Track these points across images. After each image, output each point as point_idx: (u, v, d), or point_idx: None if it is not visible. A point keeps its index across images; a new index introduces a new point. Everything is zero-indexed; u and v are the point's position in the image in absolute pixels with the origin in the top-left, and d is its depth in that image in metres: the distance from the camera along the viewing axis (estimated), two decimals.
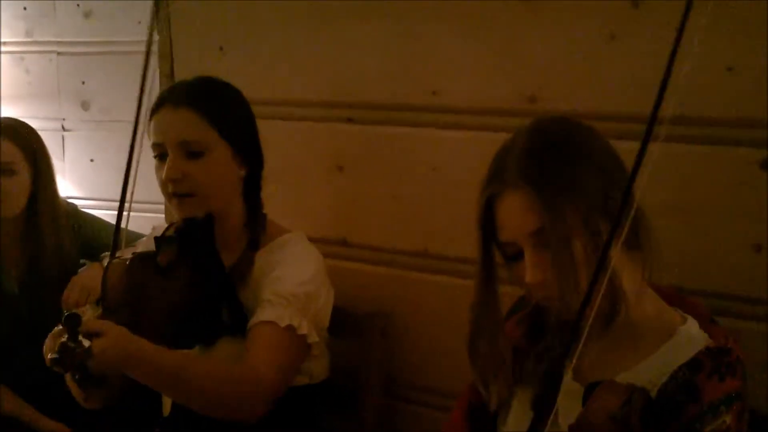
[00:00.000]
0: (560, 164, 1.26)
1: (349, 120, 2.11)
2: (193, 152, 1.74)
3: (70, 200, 2.57)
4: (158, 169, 1.77)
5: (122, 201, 1.63)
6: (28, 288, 2.30)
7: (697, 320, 1.34)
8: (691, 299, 1.42)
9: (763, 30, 1.58)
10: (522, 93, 1.85)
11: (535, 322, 1.43)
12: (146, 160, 1.76)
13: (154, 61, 2.34)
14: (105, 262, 2.26)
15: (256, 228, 1.86)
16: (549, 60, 1.82)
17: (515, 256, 1.31)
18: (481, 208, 1.33)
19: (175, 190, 1.75)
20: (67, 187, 2.91)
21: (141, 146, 1.71)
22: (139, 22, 2.68)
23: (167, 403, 1.90)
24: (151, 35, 1.72)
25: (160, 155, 1.77)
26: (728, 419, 1.19)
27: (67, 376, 1.63)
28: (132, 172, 1.65)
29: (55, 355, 1.42)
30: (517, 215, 1.28)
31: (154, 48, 2.34)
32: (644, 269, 1.30)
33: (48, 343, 1.53)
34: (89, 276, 2.25)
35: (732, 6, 1.59)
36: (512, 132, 1.82)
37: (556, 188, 1.24)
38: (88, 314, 1.72)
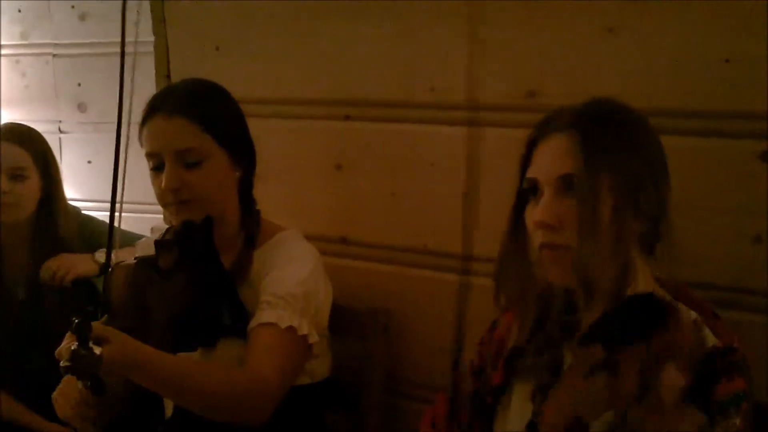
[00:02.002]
0: (614, 128, 1.29)
1: (347, 117, 2.11)
2: (190, 162, 1.73)
3: (71, 203, 2.57)
4: (154, 178, 1.76)
5: (113, 203, 1.63)
6: (36, 293, 2.30)
7: (701, 315, 1.34)
8: (695, 294, 1.42)
9: (760, 21, 1.59)
10: (520, 88, 1.85)
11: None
12: (141, 161, 1.76)
13: (149, 62, 2.36)
14: (97, 255, 2.28)
15: (252, 225, 1.86)
16: (547, 55, 1.82)
17: (532, 191, 1.34)
18: (525, 147, 1.37)
19: (175, 199, 1.74)
20: (65, 189, 2.90)
21: (127, 147, 1.70)
22: (136, 24, 2.67)
23: (169, 405, 1.90)
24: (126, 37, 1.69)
25: (156, 165, 1.75)
26: (738, 422, 1.19)
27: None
28: (120, 174, 1.65)
29: (67, 363, 1.42)
30: (553, 156, 1.31)
31: (149, 49, 2.36)
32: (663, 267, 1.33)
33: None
34: (78, 258, 2.26)
35: None
36: (512, 127, 1.83)
37: (602, 144, 1.26)
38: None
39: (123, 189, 1.63)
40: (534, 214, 1.31)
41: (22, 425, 2.22)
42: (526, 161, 1.36)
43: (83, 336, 1.40)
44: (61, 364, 1.42)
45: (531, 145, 1.36)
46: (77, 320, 1.39)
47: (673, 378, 1.21)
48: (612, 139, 1.27)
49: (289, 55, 2.17)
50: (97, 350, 1.42)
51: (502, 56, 1.88)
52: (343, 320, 1.94)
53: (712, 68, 1.64)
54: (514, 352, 1.46)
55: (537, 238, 1.32)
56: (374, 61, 2.05)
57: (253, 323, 1.71)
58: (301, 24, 2.14)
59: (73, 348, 1.40)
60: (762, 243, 1.64)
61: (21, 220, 2.28)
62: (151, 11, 2.36)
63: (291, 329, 1.70)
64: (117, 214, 1.63)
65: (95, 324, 1.45)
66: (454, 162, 1.97)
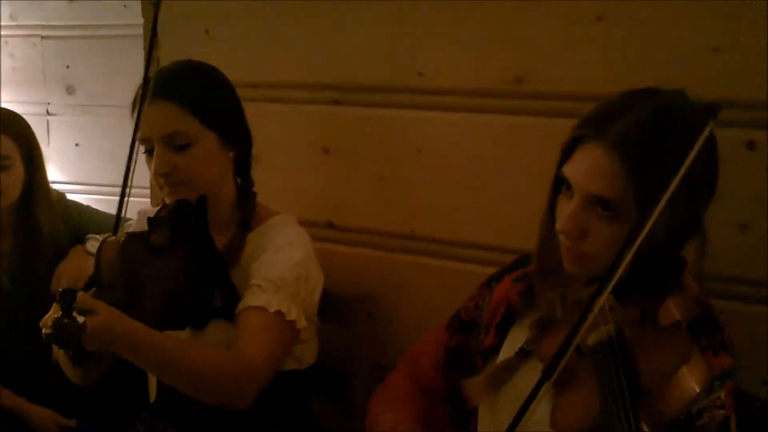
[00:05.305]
0: (663, 155, 1.19)
1: (336, 102, 2.11)
2: (179, 145, 1.73)
3: (55, 187, 2.56)
4: (148, 162, 1.76)
5: (124, 187, 1.62)
6: (20, 280, 2.29)
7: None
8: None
9: (750, 10, 1.59)
10: (508, 74, 1.85)
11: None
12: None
13: (139, 45, 2.36)
14: (88, 245, 2.26)
15: (247, 207, 1.85)
16: (535, 41, 1.82)
17: (566, 185, 1.30)
18: (567, 140, 1.30)
19: (166, 182, 1.75)
20: (52, 172, 2.88)
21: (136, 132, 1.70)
22: (125, 6, 2.67)
23: (153, 390, 1.89)
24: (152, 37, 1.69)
25: (148, 149, 1.76)
26: (722, 395, 1.20)
27: (59, 354, 1.63)
28: (133, 159, 1.65)
29: (50, 331, 1.42)
30: (590, 170, 1.24)
31: (139, 32, 2.35)
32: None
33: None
34: (75, 261, 2.24)
35: None
36: (499, 113, 1.80)
37: (648, 175, 1.19)
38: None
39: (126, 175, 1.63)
40: (559, 220, 1.29)
41: (8, 408, 2.22)
42: (567, 152, 1.30)
43: (67, 305, 1.40)
44: (44, 332, 1.42)
45: (576, 141, 1.29)
46: (62, 290, 1.40)
47: (669, 308, 1.21)
48: (659, 169, 1.16)
49: (278, 39, 2.17)
50: (81, 320, 1.42)
51: (490, 42, 1.88)
52: (329, 306, 1.93)
53: (701, 57, 1.64)
54: (509, 312, 1.47)
55: (561, 237, 1.31)
56: (363, 45, 2.04)
57: (241, 306, 1.71)
58: (290, 8, 2.13)
59: (56, 317, 1.40)
60: (748, 232, 1.64)
61: (3, 208, 2.26)
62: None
63: (279, 314, 1.69)
64: (125, 199, 1.64)
65: (81, 295, 1.45)
66: (442, 147, 1.97)
